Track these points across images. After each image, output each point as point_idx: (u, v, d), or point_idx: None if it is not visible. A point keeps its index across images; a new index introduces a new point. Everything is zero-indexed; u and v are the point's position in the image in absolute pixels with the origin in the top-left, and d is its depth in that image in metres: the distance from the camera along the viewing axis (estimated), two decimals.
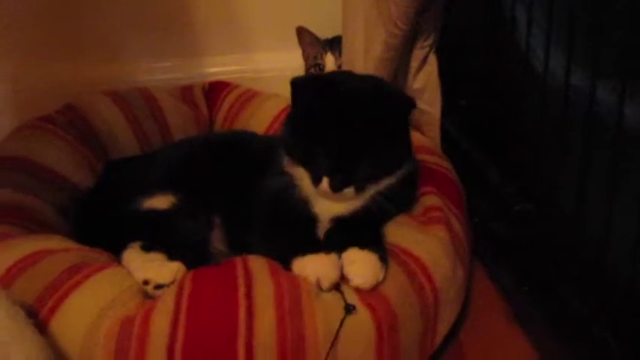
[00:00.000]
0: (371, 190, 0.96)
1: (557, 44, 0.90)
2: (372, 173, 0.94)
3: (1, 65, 1.61)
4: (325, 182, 0.92)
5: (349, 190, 0.93)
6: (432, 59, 1.29)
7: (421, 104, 1.30)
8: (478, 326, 1.07)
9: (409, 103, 0.99)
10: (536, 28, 0.97)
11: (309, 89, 0.97)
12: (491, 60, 1.19)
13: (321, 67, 1.57)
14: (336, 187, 0.92)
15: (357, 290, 0.88)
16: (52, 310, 0.82)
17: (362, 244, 0.90)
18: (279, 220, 1.02)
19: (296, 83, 0.96)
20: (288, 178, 0.99)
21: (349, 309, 0.85)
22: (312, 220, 0.98)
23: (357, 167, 0.92)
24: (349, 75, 1.09)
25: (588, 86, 0.80)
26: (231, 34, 1.70)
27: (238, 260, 0.91)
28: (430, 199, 1.06)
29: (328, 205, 0.98)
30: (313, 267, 0.89)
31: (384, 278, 0.90)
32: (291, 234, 0.98)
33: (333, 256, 0.90)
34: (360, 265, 0.89)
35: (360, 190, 0.94)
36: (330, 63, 1.55)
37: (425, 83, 1.30)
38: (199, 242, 1.05)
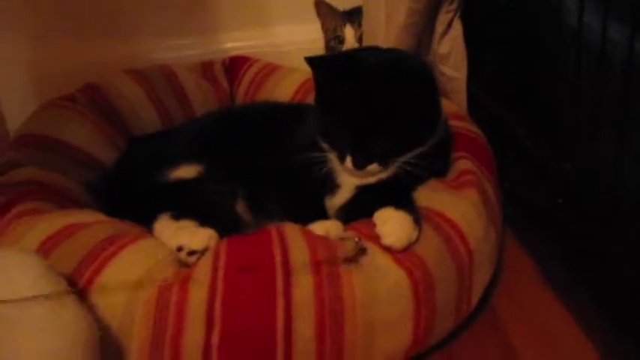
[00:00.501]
0: (397, 162, 0.96)
1: None
2: (395, 149, 0.94)
3: (21, 47, 1.61)
4: (349, 160, 0.94)
5: (373, 166, 0.94)
6: (457, 24, 1.28)
7: (447, 69, 1.28)
8: (510, 290, 1.07)
9: (425, 69, 0.99)
10: None
11: (328, 69, 0.97)
12: (521, 17, 1.17)
13: (340, 39, 1.55)
14: (360, 165, 0.93)
15: (392, 252, 0.88)
16: (90, 281, 0.82)
17: (396, 205, 0.90)
18: (302, 189, 1.03)
19: (314, 63, 0.97)
20: (316, 150, 0.99)
21: (362, 249, 0.86)
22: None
23: (380, 144, 0.93)
24: (370, 51, 1.09)
25: (626, 39, 0.78)
26: (250, 9, 1.68)
27: (272, 228, 0.91)
28: (463, 164, 1.06)
29: (353, 178, 0.99)
30: (321, 226, 0.94)
31: (419, 240, 0.90)
32: (312, 204, 1.01)
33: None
34: (393, 225, 0.88)
35: (384, 165, 0.95)
36: (349, 35, 1.53)
37: (450, 48, 1.29)
38: (228, 209, 1.05)
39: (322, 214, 1.01)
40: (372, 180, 0.98)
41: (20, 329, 0.68)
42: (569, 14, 0.94)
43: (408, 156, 0.96)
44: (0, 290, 0.70)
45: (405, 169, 0.96)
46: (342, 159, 0.95)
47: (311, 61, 0.97)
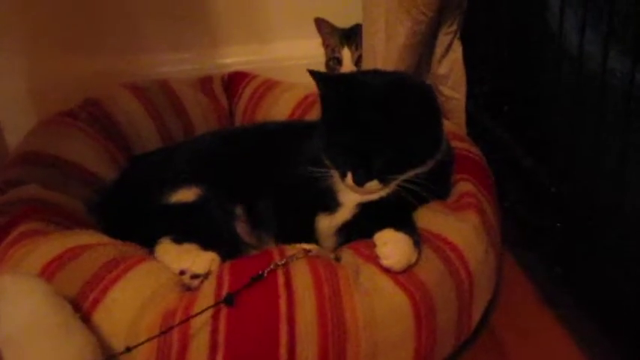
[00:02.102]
0: (397, 181, 0.97)
1: (593, 25, 0.89)
2: (395, 167, 0.95)
3: (19, 60, 1.61)
4: (349, 177, 0.95)
5: (373, 184, 0.95)
6: (457, 45, 1.29)
7: (446, 90, 1.29)
8: (510, 312, 1.08)
9: (424, 89, 1.00)
10: (569, 8, 0.96)
11: (331, 86, 0.99)
12: (521, 42, 1.18)
13: (338, 59, 1.56)
14: (360, 182, 0.94)
15: (392, 274, 0.88)
16: (94, 305, 0.83)
17: (396, 226, 0.91)
18: (298, 208, 1.04)
19: (317, 78, 0.99)
20: (318, 166, 1.00)
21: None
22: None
23: (380, 162, 0.94)
24: (372, 72, 1.11)
25: (626, 68, 0.80)
26: (249, 24, 1.69)
27: (274, 250, 0.91)
28: (463, 186, 1.07)
29: (354, 196, 1.00)
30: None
31: (420, 263, 0.90)
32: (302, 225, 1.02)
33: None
34: (392, 246, 0.89)
35: (384, 182, 0.96)
36: (347, 57, 1.55)
37: (449, 69, 1.30)
38: (229, 231, 1.05)
39: (310, 236, 1.02)
40: (373, 197, 0.98)
41: (27, 354, 0.69)
42: (569, 39, 0.96)
43: (409, 174, 0.97)
44: (6, 315, 0.70)
45: (406, 188, 0.97)
46: (343, 175, 0.96)
47: (314, 75, 0.98)
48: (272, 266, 0.86)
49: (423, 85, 1.13)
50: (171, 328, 0.80)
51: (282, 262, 0.87)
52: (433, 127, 1.00)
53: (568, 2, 0.95)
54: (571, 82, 0.96)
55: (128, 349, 0.76)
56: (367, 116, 0.94)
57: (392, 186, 0.97)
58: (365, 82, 1.00)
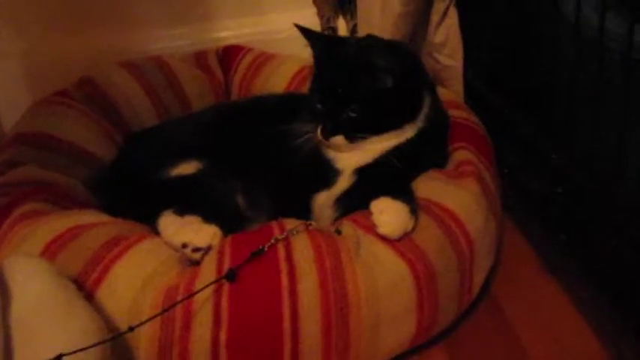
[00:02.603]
0: (378, 144, 0.99)
1: None
2: (363, 125, 0.97)
3: (13, 41, 1.59)
4: (318, 130, 0.97)
5: (339, 138, 0.97)
6: (453, 12, 1.27)
7: (443, 58, 1.28)
8: (511, 278, 1.08)
9: (402, 57, 1.01)
10: None
11: (315, 43, 1.04)
12: (519, 9, 1.17)
13: (333, 29, 1.55)
14: (325, 135, 0.97)
15: (393, 244, 0.89)
16: (96, 283, 0.83)
17: (393, 195, 0.91)
18: (293, 180, 1.05)
19: (304, 33, 1.04)
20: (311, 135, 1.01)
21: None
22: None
23: (343, 116, 0.96)
24: (362, 38, 1.13)
25: (625, 31, 0.79)
26: None
27: (275, 225, 0.91)
28: (461, 154, 1.06)
29: (346, 158, 1.01)
30: None
31: (419, 231, 0.91)
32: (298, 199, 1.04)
33: None
34: (388, 214, 0.90)
35: (350, 139, 0.98)
36: (342, 27, 1.53)
37: (446, 37, 1.29)
38: (230, 204, 1.06)
39: (307, 210, 1.03)
40: (364, 159, 1.00)
41: (36, 335, 0.69)
42: (567, 3, 0.94)
43: (386, 140, 0.99)
44: (15, 297, 0.71)
45: (398, 150, 0.98)
46: (316, 130, 0.98)
47: (302, 30, 1.04)
48: (273, 241, 0.86)
49: (408, 49, 1.13)
50: (173, 305, 0.80)
51: (283, 236, 0.87)
52: (409, 92, 1.01)
53: None
54: (569, 48, 0.95)
55: (131, 329, 0.76)
56: (338, 72, 0.98)
57: (375, 148, 0.99)
58: (345, 41, 1.07)
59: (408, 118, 1.00)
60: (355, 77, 0.97)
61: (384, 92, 0.97)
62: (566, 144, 1.04)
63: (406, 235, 0.90)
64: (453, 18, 1.27)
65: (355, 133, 0.98)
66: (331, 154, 1.02)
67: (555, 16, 0.99)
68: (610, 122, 0.87)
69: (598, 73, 0.87)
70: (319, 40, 1.06)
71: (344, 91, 0.97)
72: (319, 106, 0.99)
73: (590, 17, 0.86)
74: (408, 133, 0.99)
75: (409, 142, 0.99)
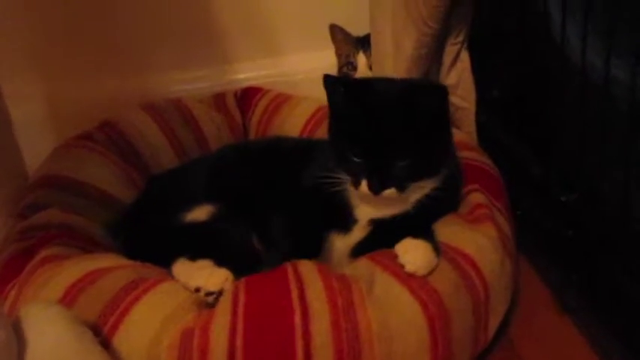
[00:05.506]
0: (415, 194, 0.97)
1: (595, 34, 0.89)
2: (412, 173, 0.93)
3: (35, 85, 1.64)
4: (364, 184, 0.93)
5: (390, 191, 0.93)
6: (464, 55, 1.29)
7: (456, 99, 1.30)
8: (527, 320, 1.07)
9: (441, 91, 0.98)
10: (570, 16, 0.96)
11: (339, 90, 0.96)
12: (527, 52, 1.19)
13: (353, 65, 1.56)
14: (376, 189, 0.92)
15: (408, 284, 0.89)
16: (114, 327, 0.85)
17: (415, 236, 0.92)
18: (308, 224, 1.04)
19: (328, 81, 0.97)
20: (333, 180, 0.99)
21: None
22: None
23: (397, 166, 0.92)
24: (384, 79, 1.11)
25: (628, 76, 0.80)
26: (259, 39, 1.71)
27: (288, 265, 0.93)
28: (475, 197, 1.07)
29: (369, 210, 1.00)
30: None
31: (435, 274, 0.91)
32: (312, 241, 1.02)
33: None
34: (413, 252, 0.91)
35: (401, 190, 0.93)
36: (362, 62, 1.54)
37: (458, 79, 1.30)
38: (244, 246, 1.07)
39: (323, 256, 1.02)
40: (388, 212, 0.99)
41: None
42: (573, 48, 0.96)
43: (425, 189, 0.97)
44: (32, 343, 0.72)
45: (420, 203, 0.97)
46: (357, 184, 0.94)
47: (327, 80, 0.96)
48: None
49: (439, 85, 1.13)
50: None
51: None
52: (447, 132, 1.00)
53: (569, 9, 0.95)
54: (575, 90, 0.96)
55: None
56: (383, 119, 0.92)
57: (410, 199, 0.97)
58: (379, 85, 0.99)
59: (446, 160, 0.99)
60: (404, 124, 0.91)
61: (431, 133, 0.94)
62: (574, 185, 1.04)
63: (421, 276, 0.90)
64: (464, 61, 1.29)
65: (405, 183, 0.93)
66: (351, 200, 1.01)
67: (561, 58, 1.00)
68: (616, 164, 0.88)
69: (602, 117, 0.88)
70: (346, 89, 0.96)
71: (393, 141, 0.91)
72: (357, 159, 0.93)
73: (595, 62, 0.88)
74: (438, 178, 0.97)
75: (436, 188, 0.98)
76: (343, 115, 0.97)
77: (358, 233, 1.02)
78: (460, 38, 1.28)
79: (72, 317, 0.76)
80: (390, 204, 0.97)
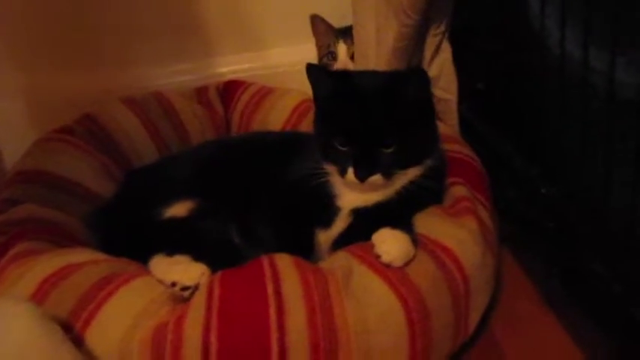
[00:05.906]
0: (400, 181, 0.97)
1: (574, 24, 0.89)
2: (398, 160, 0.94)
3: (15, 78, 1.62)
4: (350, 172, 0.93)
5: (377, 178, 0.93)
6: (446, 46, 1.29)
7: (438, 91, 1.29)
8: (509, 313, 1.07)
9: (421, 74, 0.98)
10: (550, 6, 0.95)
11: (323, 80, 0.98)
12: (507, 43, 1.18)
13: (333, 55, 1.55)
14: (362, 175, 0.93)
15: (386, 277, 0.88)
16: (87, 323, 0.83)
17: (393, 226, 0.91)
18: (294, 219, 1.04)
19: (311, 71, 0.97)
20: (317, 172, 0.99)
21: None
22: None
23: (381, 154, 0.93)
24: (366, 70, 1.12)
25: (607, 65, 0.79)
26: (241, 33, 1.69)
27: (264, 259, 0.91)
28: (458, 190, 1.06)
29: (353, 198, 0.99)
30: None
31: (414, 267, 0.90)
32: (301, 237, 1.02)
33: None
34: (390, 243, 0.90)
35: (387, 176, 0.94)
36: (342, 52, 1.53)
37: (440, 71, 1.30)
38: (223, 242, 1.06)
39: (308, 249, 1.01)
40: (372, 200, 0.98)
41: None
42: (552, 40, 0.95)
43: (408, 176, 0.97)
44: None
45: (403, 191, 0.97)
46: (343, 172, 0.94)
47: (310, 70, 0.97)
48: None
49: (420, 69, 1.13)
50: None
51: None
52: (431, 122, 1.00)
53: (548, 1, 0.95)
54: (555, 83, 0.96)
55: None
56: (367, 106, 0.93)
57: (395, 186, 0.97)
58: (364, 74, 1.02)
59: (432, 149, 0.99)
60: (390, 111, 0.92)
61: (416, 120, 0.95)
62: (555, 178, 1.03)
63: (399, 269, 0.90)
64: (446, 52, 1.29)
65: (391, 170, 0.94)
66: (335, 189, 1.01)
67: (541, 51, 0.99)
68: (597, 157, 0.87)
69: (582, 110, 0.88)
70: (331, 77, 0.99)
71: (376, 128, 0.93)
72: (343, 147, 0.94)
73: (573, 52, 0.87)
74: (419, 170, 0.98)
75: (417, 179, 0.98)
76: (328, 103, 0.98)
77: (340, 224, 1.01)
78: (441, 29, 1.27)
79: (41, 314, 0.75)
80: (374, 190, 0.97)
